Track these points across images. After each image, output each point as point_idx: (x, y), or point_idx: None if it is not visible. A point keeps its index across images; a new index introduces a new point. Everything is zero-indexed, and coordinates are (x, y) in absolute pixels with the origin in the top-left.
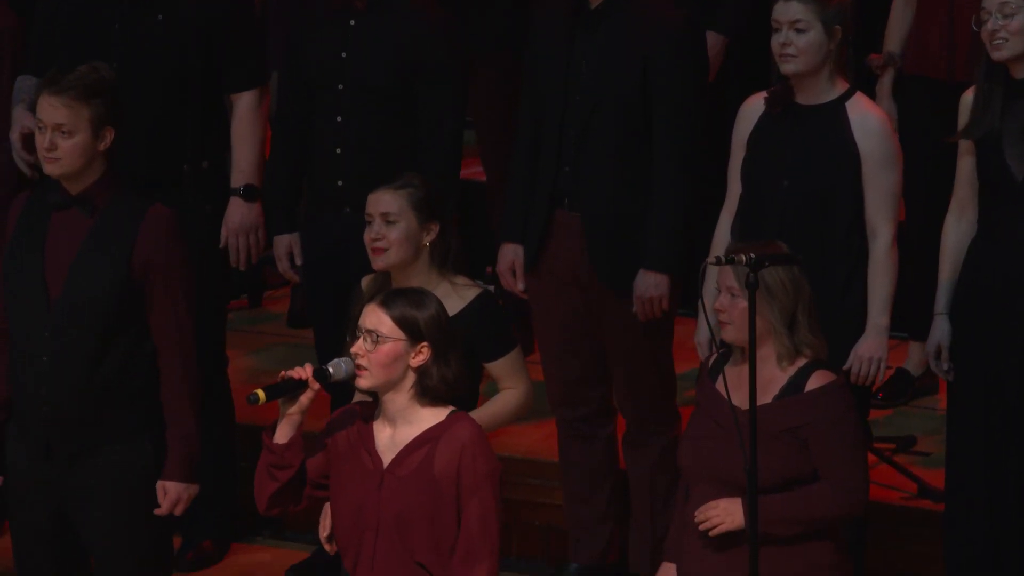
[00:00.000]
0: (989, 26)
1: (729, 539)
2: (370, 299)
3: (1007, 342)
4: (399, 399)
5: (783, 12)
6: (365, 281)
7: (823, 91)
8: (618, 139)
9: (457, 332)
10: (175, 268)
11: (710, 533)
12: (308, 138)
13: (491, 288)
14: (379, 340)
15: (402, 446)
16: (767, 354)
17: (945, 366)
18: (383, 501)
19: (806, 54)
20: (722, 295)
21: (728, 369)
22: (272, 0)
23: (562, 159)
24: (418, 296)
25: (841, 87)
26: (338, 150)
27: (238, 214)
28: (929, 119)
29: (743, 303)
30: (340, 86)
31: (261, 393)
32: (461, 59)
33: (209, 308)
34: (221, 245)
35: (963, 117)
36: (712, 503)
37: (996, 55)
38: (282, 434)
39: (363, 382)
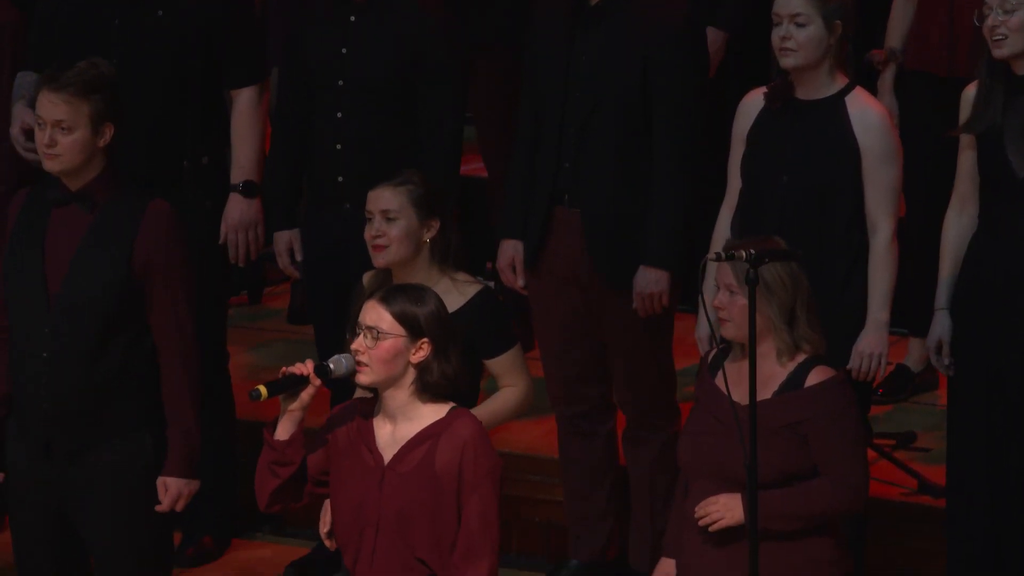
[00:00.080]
0: (989, 22)
1: (728, 535)
2: (370, 295)
3: (1008, 338)
4: (400, 395)
5: (784, 6)
6: (366, 278)
7: (823, 86)
8: (618, 136)
9: (457, 328)
10: (175, 265)
11: (709, 529)
12: (308, 134)
13: (491, 284)
14: (379, 336)
15: (403, 442)
16: (767, 350)
17: (946, 361)
18: (384, 498)
19: (806, 48)
20: (721, 293)
21: (728, 365)
22: None
23: (562, 156)
24: (418, 292)
25: (841, 82)
26: (338, 146)
27: (237, 210)
28: (930, 115)
29: (742, 300)
30: (340, 82)
31: (263, 389)
32: (461, 56)
33: (209, 304)
34: (220, 241)
35: (964, 112)
36: (711, 499)
37: (996, 52)
38: (283, 430)
39: (363, 378)
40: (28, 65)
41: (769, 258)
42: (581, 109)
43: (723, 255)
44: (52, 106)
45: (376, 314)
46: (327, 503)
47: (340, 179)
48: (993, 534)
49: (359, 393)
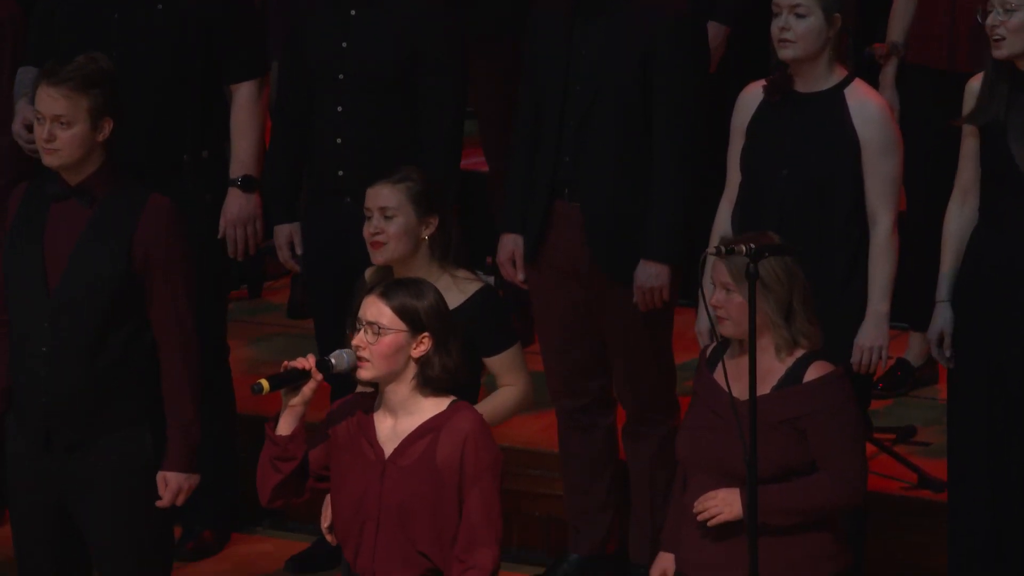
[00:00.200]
0: (990, 21)
1: (727, 529)
2: (370, 291)
3: (1010, 332)
4: (401, 390)
5: None
6: (368, 273)
7: (822, 78)
8: (618, 129)
9: (457, 322)
10: (175, 260)
11: (708, 523)
12: (308, 128)
13: (491, 279)
14: (380, 332)
15: (404, 436)
16: (765, 345)
17: (948, 353)
18: (385, 492)
19: (805, 40)
20: (717, 291)
21: (726, 360)
22: None
23: (562, 149)
24: (417, 286)
25: (840, 74)
26: (338, 140)
27: (236, 205)
28: (931, 109)
29: (738, 298)
30: (340, 76)
31: (265, 383)
32: (461, 49)
33: (209, 298)
34: (219, 236)
35: (968, 103)
36: (710, 493)
37: (996, 53)
38: (285, 425)
39: (365, 373)
40: (29, 60)
41: (769, 252)
42: (581, 103)
43: (723, 250)
44: (51, 101)
45: (376, 309)
46: (328, 498)
47: (340, 173)
48: (994, 528)
49: (360, 388)
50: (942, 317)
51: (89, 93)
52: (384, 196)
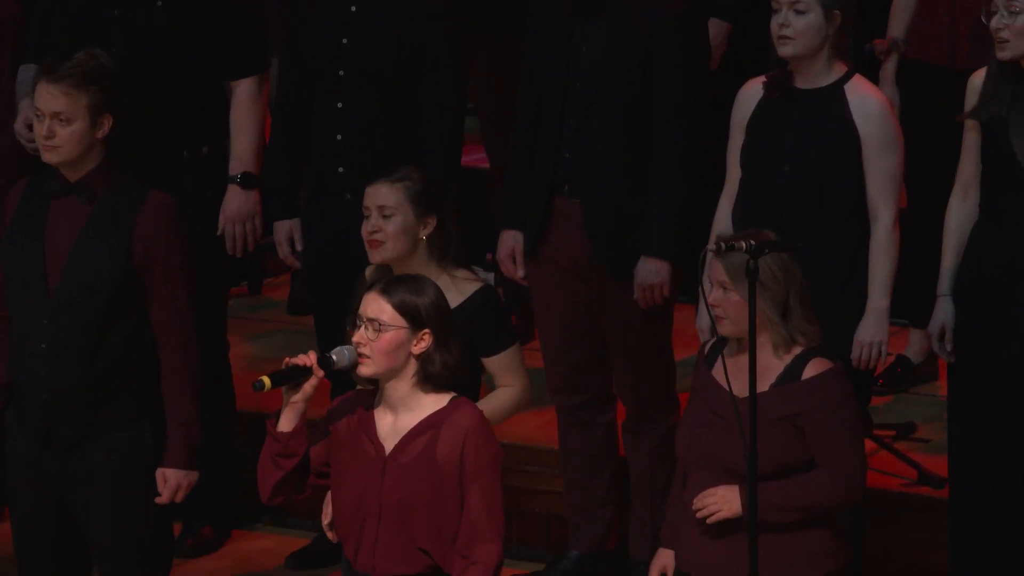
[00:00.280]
0: (994, 23)
1: (727, 526)
2: (370, 287)
3: (1010, 329)
4: (401, 386)
5: None
6: (369, 271)
7: (821, 74)
8: (618, 125)
9: (456, 322)
10: (175, 258)
11: (708, 521)
12: (308, 125)
13: (491, 276)
14: (381, 328)
15: (404, 433)
16: (763, 343)
17: (949, 347)
18: (385, 488)
19: (804, 36)
20: (714, 289)
21: (725, 358)
22: None
23: (562, 146)
24: (417, 283)
25: (840, 70)
26: (339, 136)
27: (235, 202)
28: (931, 106)
29: (735, 296)
30: (341, 72)
31: (266, 380)
32: (461, 49)
33: (209, 295)
34: (218, 232)
35: (971, 98)
36: (710, 491)
37: (999, 54)
38: (286, 422)
39: (365, 370)
40: (29, 58)
41: (769, 249)
42: (581, 99)
43: (723, 247)
44: (50, 98)
45: (377, 306)
46: (329, 494)
47: (340, 169)
48: (995, 524)
49: (359, 387)
50: (943, 311)
51: (88, 90)
52: (382, 195)
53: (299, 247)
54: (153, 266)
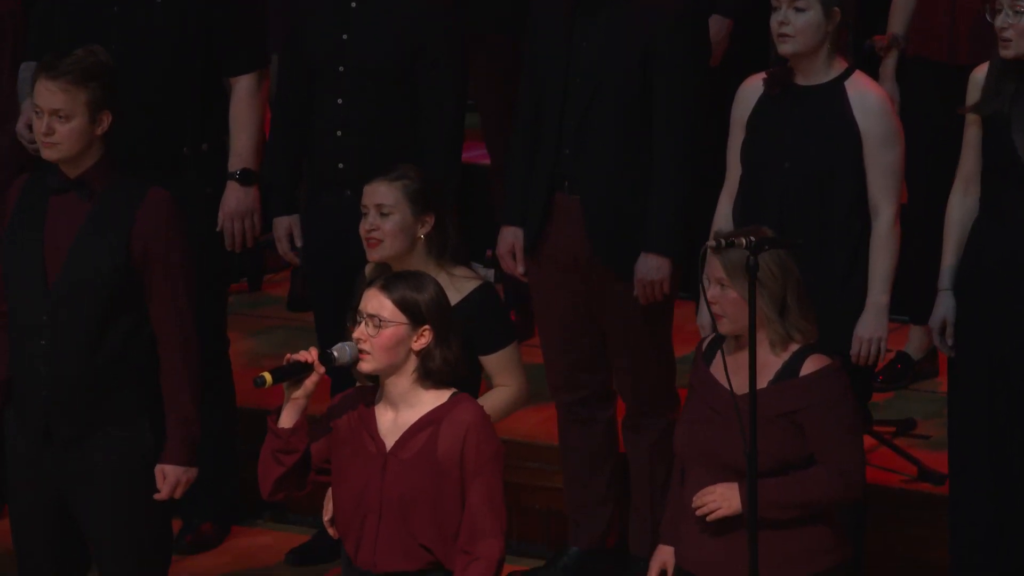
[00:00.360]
0: (998, 22)
1: (726, 524)
2: (370, 284)
3: (1011, 325)
4: (402, 382)
5: None
6: (368, 268)
7: (821, 71)
8: (618, 122)
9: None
10: (174, 255)
11: (707, 518)
12: (308, 121)
13: (492, 272)
14: (381, 324)
15: (405, 429)
16: (760, 340)
17: (950, 341)
18: (386, 484)
19: (804, 34)
20: (711, 286)
21: (724, 355)
22: None
23: (562, 142)
24: (418, 279)
25: (840, 67)
26: (339, 132)
27: (234, 198)
28: (932, 102)
29: (733, 293)
30: (341, 68)
31: (268, 376)
32: (461, 48)
33: (209, 291)
34: (217, 229)
35: (973, 93)
36: (709, 488)
37: (1003, 52)
38: (287, 418)
39: (366, 366)
40: (29, 55)
41: (769, 245)
42: (581, 96)
43: (723, 243)
44: (49, 94)
45: (377, 302)
46: (330, 491)
47: (340, 165)
48: (996, 520)
49: (359, 382)
50: (944, 305)
51: (87, 86)
52: (380, 193)
53: (299, 243)
54: (153, 263)
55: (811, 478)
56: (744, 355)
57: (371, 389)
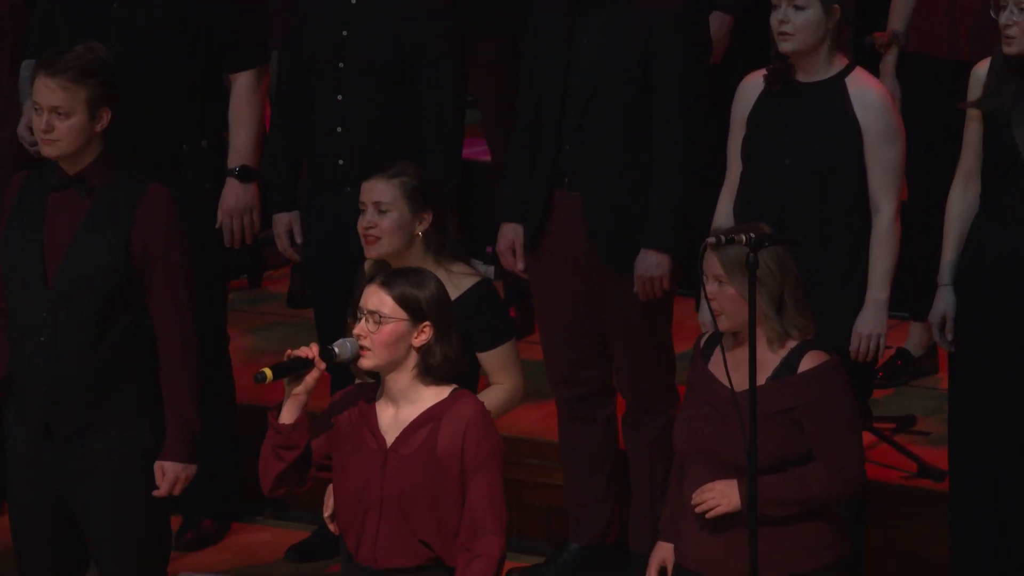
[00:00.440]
0: (1003, 19)
1: (725, 521)
2: (371, 280)
3: (1012, 324)
4: (402, 379)
5: None
6: (368, 264)
7: (822, 68)
8: (618, 119)
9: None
10: (174, 253)
11: (707, 515)
12: (308, 117)
13: (492, 268)
14: (382, 321)
15: (405, 425)
16: (758, 336)
17: (950, 336)
18: (387, 481)
19: (804, 32)
20: (709, 283)
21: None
22: None
23: (562, 139)
24: (418, 276)
25: (840, 63)
26: (339, 129)
27: (233, 195)
28: (932, 98)
29: (731, 290)
30: (341, 64)
31: (268, 372)
32: (461, 47)
33: (209, 288)
34: (216, 225)
35: (974, 89)
36: (708, 485)
37: (1006, 50)
38: (288, 414)
39: (366, 362)
40: (29, 52)
41: (768, 242)
42: (581, 94)
43: (723, 239)
44: (49, 91)
45: (378, 298)
46: (331, 487)
47: (340, 162)
48: (996, 517)
49: (359, 379)
50: (944, 300)
51: (87, 83)
52: (378, 190)
53: (298, 240)
54: (152, 261)
55: (810, 474)
56: (742, 352)
57: (372, 385)
